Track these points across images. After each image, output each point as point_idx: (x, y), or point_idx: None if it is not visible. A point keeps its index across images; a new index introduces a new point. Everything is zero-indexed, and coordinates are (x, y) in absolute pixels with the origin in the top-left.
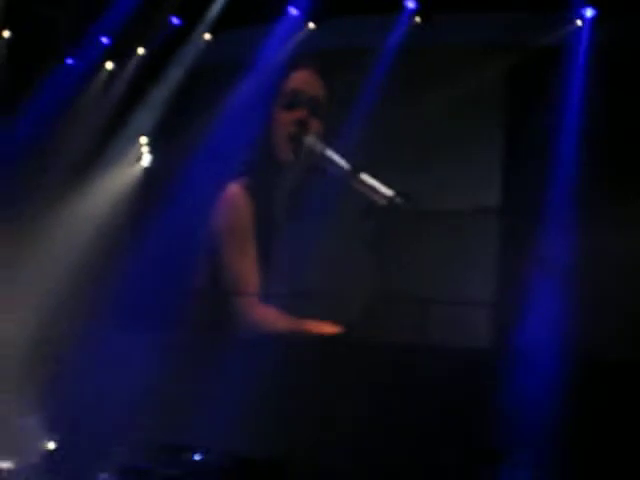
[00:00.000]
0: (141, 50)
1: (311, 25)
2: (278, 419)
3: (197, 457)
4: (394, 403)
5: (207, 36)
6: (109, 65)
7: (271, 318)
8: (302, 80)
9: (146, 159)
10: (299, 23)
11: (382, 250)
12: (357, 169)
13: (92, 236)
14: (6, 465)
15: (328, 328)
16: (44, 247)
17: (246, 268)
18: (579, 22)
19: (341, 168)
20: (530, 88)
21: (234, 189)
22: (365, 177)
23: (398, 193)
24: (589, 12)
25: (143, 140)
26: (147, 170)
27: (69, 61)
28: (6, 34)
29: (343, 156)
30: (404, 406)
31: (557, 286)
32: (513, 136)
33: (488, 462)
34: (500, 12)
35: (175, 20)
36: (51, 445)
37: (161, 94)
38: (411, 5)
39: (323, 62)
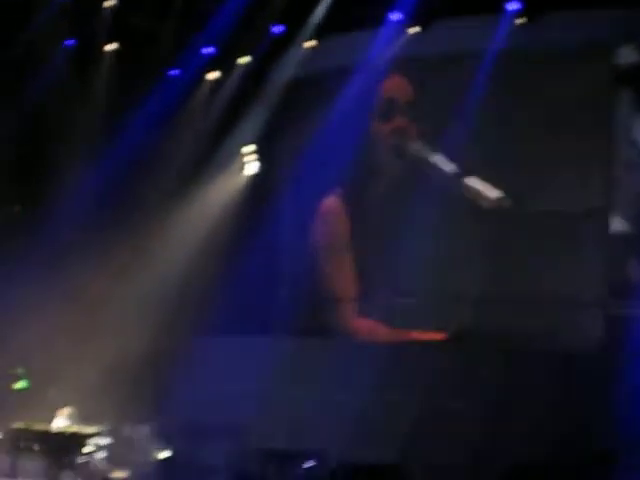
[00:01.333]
0: (244, 59)
1: (414, 30)
2: (390, 422)
3: (309, 463)
4: (507, 404)
5: (310, 43)
6: (212, 75)
7: (369, 329)
8: (394, 87)
9: (251, 167)
10: (401, 28)
11: (490, 253)
12: (463, 173)
13: (201, 243)
14: (120, 474)
15: (431, 337)
16: (157, 254)
17: (343, 279)
18: None
19: (447, 172)
20: (638, 88)
21: (330, 202)
22: (472, 180)
23: (506, 195)
24: None
25: (248, 149)
26: (252, 178)
27: (173, 72)
28: (112, 47)
29: (448, 160)
30: (517, 407)
31: None
32: (621, 138)
33: (602, 463)
34: (605, 9)
35: (277, 28)
36: (165, 453)
37: (265, 102)
38: (514, 6)
39: (415, 65)
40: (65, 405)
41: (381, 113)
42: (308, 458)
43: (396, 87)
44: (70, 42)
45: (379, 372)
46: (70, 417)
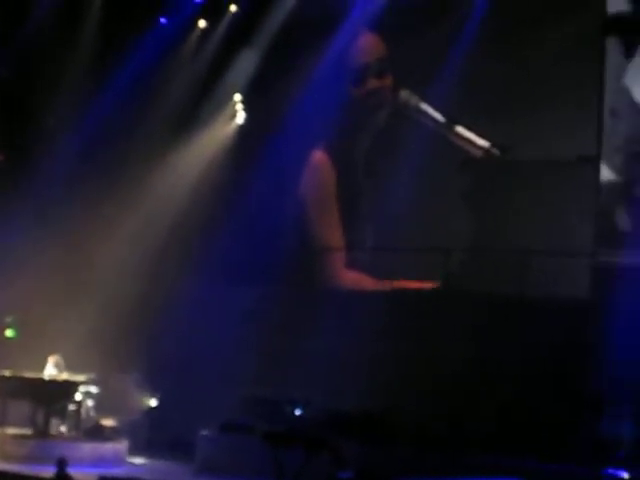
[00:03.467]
0: (233, 7)
1: None
2: (374, 373)
3: (298, 411)
4: (493, 355)
5: None
6: (202, 23)
7: (356, 280)
8: (365, 49)
9: (240, 116)
10: None
11: (479, 202)
12: (452, 121)
13: (188, 193)
14: (109, 422)
15: (417, 285)
16: (144, 205)
17: (330, 230)
18: None
19: (436, 121)
20: (628, 37)
21: (318, 155)
22: (460, 129)
23: (494, 144)
24: None
25: (237, 97)
26: (241, 127)
27: (162, 20)
28: None
29: (437, 109)
30: (504, 358)
31: None
32: (610, 85)
33: (590, 413)
34: None
35: None
36: (152, 402)
37: (253, 51)
38: None
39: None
40: (52, 354)
41: (355, 78)
42: (295, 406)
43: (367, 48)
44: None
45: (365, 321)
46: (57, 365)
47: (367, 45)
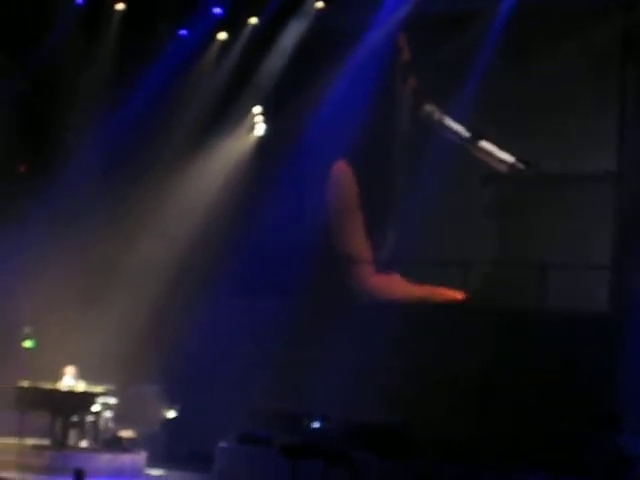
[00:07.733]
0: (253, 20)
1: None
2: (396, 385)
3: (316, 424)
4: (512, 369)
5: (319, 4)
6: (222, 35)
7: (388, 285)
8: (406, 48)
9: (260, 128)
10: None
11: (501, 216)
12: (476, 136)
13: (209, 205)
14: (127, 434)
15: (449, 294)
16: (165, 216)
17: (356, 239)
18: None
19: (460, 135)
20: None
21: (339, 166)
22: (485, 144)
23: (519, 159)
24: None
25: (257, 110)
26: (261, 139)
27: (182, 32)
28: (120, 7)
29: (461, 123)
30: (523, 372)
31: None
32: (631, 101)
33: (607, 428)
34: None
35: None
36: (171, 413)
37: (274, 63)
38: None
39: (425, 24)
40: (69, 365)
41: (401, 75)
42: (314, 419)
43: (405, 46)
44: (79, 1)
45: (389, 335)
46: (74, 376)
47: (404, 43)
